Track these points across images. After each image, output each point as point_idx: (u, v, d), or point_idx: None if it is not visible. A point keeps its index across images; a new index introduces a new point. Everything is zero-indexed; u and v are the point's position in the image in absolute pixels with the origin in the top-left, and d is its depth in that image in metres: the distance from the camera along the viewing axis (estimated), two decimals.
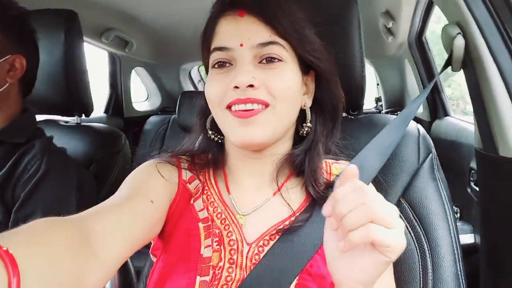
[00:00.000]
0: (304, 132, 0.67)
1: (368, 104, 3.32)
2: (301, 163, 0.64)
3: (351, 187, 0.42)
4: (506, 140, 0.70)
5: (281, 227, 0.60)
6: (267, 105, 0.58)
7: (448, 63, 0.81)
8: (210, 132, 0.68)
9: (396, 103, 2.55)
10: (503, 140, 0.71)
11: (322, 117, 0.68)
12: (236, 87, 0.57)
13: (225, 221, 0.62)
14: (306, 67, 0.64)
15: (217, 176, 0.68)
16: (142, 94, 2.80)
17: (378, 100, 3.04)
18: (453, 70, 0.81)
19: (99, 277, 0.46)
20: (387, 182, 0.74)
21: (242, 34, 0.59)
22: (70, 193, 0.85)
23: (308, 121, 0.66)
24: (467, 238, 1.25)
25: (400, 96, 2.48)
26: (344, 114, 0.88)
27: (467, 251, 1.12)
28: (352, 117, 0.87)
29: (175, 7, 1.71)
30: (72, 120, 1.18)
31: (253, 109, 0.57)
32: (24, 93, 0.94)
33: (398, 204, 0.72)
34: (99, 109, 2.28)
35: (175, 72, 2.69)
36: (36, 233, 0.40)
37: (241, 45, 0.58)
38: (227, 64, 0.60)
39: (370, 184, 0.67)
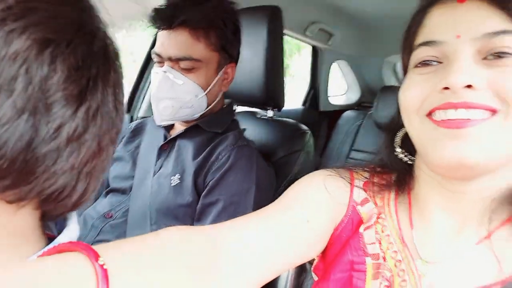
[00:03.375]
0: None
1: None
2: None
3: None
4: None
5: None
6: (493, 112, 0.42)
7: None
8: (399, 150, 0.56)
9: None
10: None
11: None
12: (447, 88, 0.43)
13: (400, 265, 0.49)
14: None
15: (399, 205, 0.55)
16: (341, 88, 2.76)
17: None
18: None
19: None
20: None
21: (460, 23, 0.45)
22: (250, 187, 0.88)
23: None
24: None
25: None
26: None
27: None
28: None
29: None
30: (266, 113, 1.24)
31: (469, 119, 0.42)
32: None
33: None
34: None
35: (378, 65, 2.52)
36: (151, 248, 0.37)
37: (458, 36, 0.44)
38: (435, 63, 0.47)
39: None
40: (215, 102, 0.97)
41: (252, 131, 1.10)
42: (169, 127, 1.03)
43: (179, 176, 0.91)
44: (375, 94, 2.12)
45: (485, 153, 0.42)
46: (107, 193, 1.00)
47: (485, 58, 0.44)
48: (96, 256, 0.30)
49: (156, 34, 0.91)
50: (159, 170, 0.95)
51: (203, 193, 0.87)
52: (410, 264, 0.49)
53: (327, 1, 1.72)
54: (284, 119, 1.18)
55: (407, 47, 0.53)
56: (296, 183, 0.58)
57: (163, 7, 0.89)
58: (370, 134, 2.01)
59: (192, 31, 0.87)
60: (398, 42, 0.57)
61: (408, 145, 0.53)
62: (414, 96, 0.48)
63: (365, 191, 0.57)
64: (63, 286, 0.29)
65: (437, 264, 0.48)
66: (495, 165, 0.44)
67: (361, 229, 0.54)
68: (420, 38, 0.49)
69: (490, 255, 0.46)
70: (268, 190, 0.94)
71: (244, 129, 1.02)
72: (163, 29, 0.88)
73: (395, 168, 0.56)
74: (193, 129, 0.97)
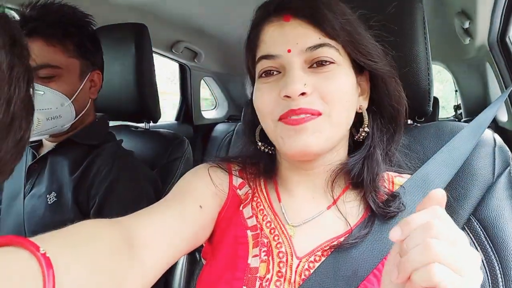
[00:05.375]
0: (360, 137, 0.63)
1: (447, 113, 3.08)
2: (359, 172, 0.60)
3: (428, 216, 0.38)
4: None
5: (335, 242, 0.57)
6: (319, 114, 0.55)
7: None
8: (260, 144, 0.67)
9: (477, 111, 2.30)
10: None
11: (380, 120, 0.63)
12: (287, 96, 0.55)
13: (274, 231, 0.60)
14: (359, 67, 0.61)
15: (268, 184, 0.67)
16: (211, 103, 2.91)
17: (457, 108, 2.80)
18: None
19: (142, 282, 0.46)
20: (455, 198, 0.66)
21: (289, 39, 0.57)
22: (141, 196, 0.89)
23: (366, 125, 0.62)
24: None
25: (482, 103, 2.25)
26: (409, 121, 0.82)
27: None
28: (418, 125, 0.81)
29: (239, 18, 1.75)
30: (142, 126, 1.26)
31: (303, 118, 0.55)
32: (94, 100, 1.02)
33: (468, 223, 0.65)
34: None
35: (241, 81, 2.75)
36: (79, 237, 0.40)
37: (289, 51, 0.56)
38: (275, 73, 0.58)
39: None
40: (84, 110, 0.95)
41: (130, 143, 1.11)
42: (37, 146, 0.97)
43: (55, 194, 0.87)
44: (242, 107, 2.31)
45: (319, 141, 0.56)
46: None
47: (310, 67, 0.57)
48: (36, 247, 0.32)
49: None
50: (30, 190, 0.90)
51: (93, 210, 0.85)
52: (282, 229, 0.60)
53: (189, 22, 1.83)
54: (161, 130, 1.23)
55: (251, 58, 0.63)
56: (184, 176, 0.66)
57: (15, 19, 0.86)
58: (241, 143, 2.18)
59: (45, 39, 0.85)
60: None
61: (267, 138, 0.64)
62: (264, 104, 0.58)
63: (241, 177, 0.67)
64: (9, 279, 0.29)
65: (301, 226, 0.60)
66: (328, 149, 0.59)
67: (240, 207, 0.64)
68: (260, 52, 0.59)
69: (339, 215, 0.60)
70: (158, 193, 0.96)
71: (121, 140, 1.03)
72: None
73: (260, 159, 0.68)
74: (65, 144, 0.93)
